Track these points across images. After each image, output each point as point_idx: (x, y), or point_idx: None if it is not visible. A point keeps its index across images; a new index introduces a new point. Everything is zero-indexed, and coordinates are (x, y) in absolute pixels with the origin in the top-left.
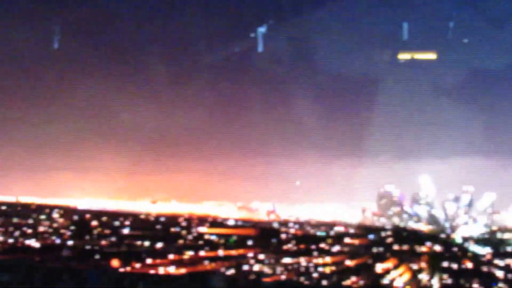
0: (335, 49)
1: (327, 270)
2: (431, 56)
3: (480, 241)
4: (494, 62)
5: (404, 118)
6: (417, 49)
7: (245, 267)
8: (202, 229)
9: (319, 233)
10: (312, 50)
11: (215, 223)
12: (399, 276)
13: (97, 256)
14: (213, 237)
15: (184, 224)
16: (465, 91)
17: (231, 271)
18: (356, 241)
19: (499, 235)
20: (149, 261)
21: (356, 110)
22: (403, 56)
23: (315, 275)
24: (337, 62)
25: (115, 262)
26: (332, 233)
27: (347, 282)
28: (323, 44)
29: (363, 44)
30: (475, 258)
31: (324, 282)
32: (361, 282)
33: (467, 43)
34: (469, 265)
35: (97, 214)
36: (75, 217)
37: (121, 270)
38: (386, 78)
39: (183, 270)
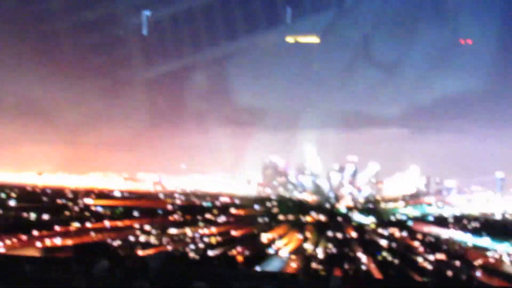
0: (223, 32)
1: (213, 240)
2: (314, 39)
3: (364, 211)
4: (371, 44)
5: (286, 91)
6: (302, 33)
7: (131, 238)
8: (88, 201)
9: (204, 204)
10: (200, 32)
11: (101, 194)
12: (284, 246)
13: None
14: (99, 209)
15: (70, 195)
16: (349, 68)
17: (117, 242)
18: (241, 212)
19: (382, 205)
20: (35, 232)
21: (243, 84)
22: (288, 39)
23: (201, 245)
24: (224, 44)
25: None
26: (217, 203)
27: (233, 252)
28: (212, 26)
29: (250, 27)
30: (359, 227)
31: (210, 253)
32: (247, 252)
33: (350, 28)
34: (353, 234)
35: None
36: None
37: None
38: (270, 58)
39: (69, 242)
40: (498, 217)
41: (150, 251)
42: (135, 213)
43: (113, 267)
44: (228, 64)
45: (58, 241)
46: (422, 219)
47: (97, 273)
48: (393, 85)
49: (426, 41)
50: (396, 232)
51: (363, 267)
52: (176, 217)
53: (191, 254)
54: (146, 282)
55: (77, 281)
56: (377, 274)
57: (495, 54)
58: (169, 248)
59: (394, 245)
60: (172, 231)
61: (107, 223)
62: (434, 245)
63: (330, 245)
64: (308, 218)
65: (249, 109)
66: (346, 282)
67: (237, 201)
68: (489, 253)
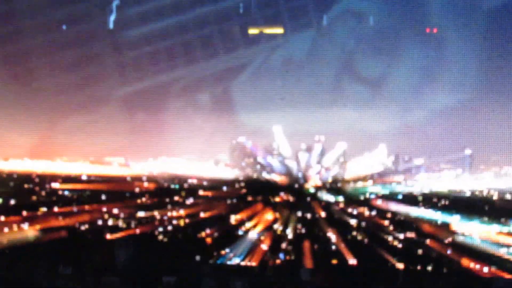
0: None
1: (182, 222)
2: (279, 30)
3: (332, 190)
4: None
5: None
6: (266, 24)
7: (100, 222)
8: (56, 185)
9: (172, 186)
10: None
11: (68, 179)
12: (253, 227)
13: None
14: (67, 193)
15: (37, 180)
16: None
17: (85, 227)
18: (209, 194)
19: (351, 184)
20: (2, 218)
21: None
22: (252, 30)
23: (169, 228)
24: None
25: None
26: (185, 186)
27: (202, 234)
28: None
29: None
30: (328, 207)
31: (179, 235)
32: (216, 234)
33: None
34: (322, 214)
35: None
36: None
37: None
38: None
39: (37, 226)
40: (467, 194)
41: (118, 235)
42: (103, 197)
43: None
44: (193, 52)
45: (25, 226)
46: (391, 198)
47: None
48: (357, 66)
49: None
50: (365, 211)
51: (333, 247)
52: (144, 200)
53: (160, 237)
54: (115, 277)
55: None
56: (347, 254)
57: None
58: (137, 231)
59: (363, 224)
60: (140, 214)
61: (74, 208)
62: (403, 223)
63: (299, 226)
64: (277, 199)
65: (215, 91)
66: (317, 274)
67: (205, 183)
68: (458, 231)
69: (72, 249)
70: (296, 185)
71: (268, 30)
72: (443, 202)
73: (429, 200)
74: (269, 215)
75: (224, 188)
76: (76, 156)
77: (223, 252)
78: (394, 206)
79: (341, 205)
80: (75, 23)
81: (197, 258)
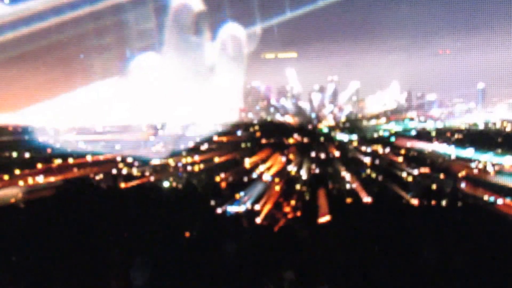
0: None
1: (196, 168)
2: (293, 55)
3: (346, 129)
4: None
5: None
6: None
7: (114, 171)
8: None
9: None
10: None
11: (83, 129)
12: (267, 169)
13: None
14: (81, 144)
15: (52, 133)
16: None
17: (99, 176)
18: (224, 139)
19: (364, 122)
20: (17, 172)
21: None
22: (269, 55)
23: (184, 175)
24: None
25: None
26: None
27: (217, 179)
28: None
29: None
30: (342, 146)
31: (195, 181)
32: (231, 178)
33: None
34: (337, 153)
35: None
36: None
37: None
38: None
39: (52, 179)
40: (480, 127)
41: (133, 183)
42: (117, 147)
43: None
44: None
45: (40, 179)
46: (405, 134)
47: None
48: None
49: None
50: (379, 149)
51: (347, 186)
52: (158, 147)
53: (174, 184)
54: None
55: None
56: (361, 192)
57: None
58: (152, 179)
59: (377, 162)
60: (155, 162)
61: (89, 158)
62: (417, 159)
63: (313, 166)
64: (290, 140)
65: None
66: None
67: (219, 128)
68: (472, 164)
69: None
70: (310, 126)
71: (283, 55)
72: (456, 136)
73: (443, 134)
74: (283, 157)
75: (238, 133)
76: None
77: (237, 196)
78: (407, 143)
79: (355, 144)
80: None
81: (212, 202)
